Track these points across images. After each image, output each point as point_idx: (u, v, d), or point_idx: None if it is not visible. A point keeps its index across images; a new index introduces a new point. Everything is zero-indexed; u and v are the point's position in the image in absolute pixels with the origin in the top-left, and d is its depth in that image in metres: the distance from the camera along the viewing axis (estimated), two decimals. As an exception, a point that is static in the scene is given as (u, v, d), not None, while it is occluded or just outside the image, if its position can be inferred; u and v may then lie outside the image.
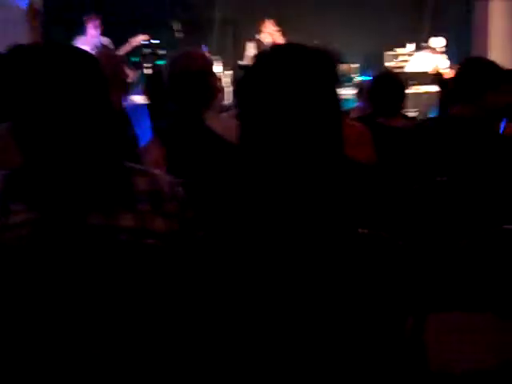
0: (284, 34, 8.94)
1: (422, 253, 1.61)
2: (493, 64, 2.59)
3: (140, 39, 8.54)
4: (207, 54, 2.86)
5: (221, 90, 3.01)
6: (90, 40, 8.35)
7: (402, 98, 3.67)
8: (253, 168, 1.56)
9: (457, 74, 2.66)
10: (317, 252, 1.48)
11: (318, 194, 1.51)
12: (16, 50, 1.70)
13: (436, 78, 5.14)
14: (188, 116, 2.49)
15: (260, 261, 1.47)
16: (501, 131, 2.83)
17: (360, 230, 1.50)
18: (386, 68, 9.37)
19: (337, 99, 1.60)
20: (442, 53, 9.31)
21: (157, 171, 1.64)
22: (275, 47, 1.54)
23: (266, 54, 1.54)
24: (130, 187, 1.53)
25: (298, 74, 1.48)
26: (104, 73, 1.59)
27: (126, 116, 3.12)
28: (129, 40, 8.53)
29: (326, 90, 1.56)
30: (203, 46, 8.12)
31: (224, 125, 2.74)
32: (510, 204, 2.23)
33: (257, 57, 1.54)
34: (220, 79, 6.96)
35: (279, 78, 1.47)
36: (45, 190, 1.48)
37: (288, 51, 1.54)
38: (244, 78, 1.53)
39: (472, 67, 2.58)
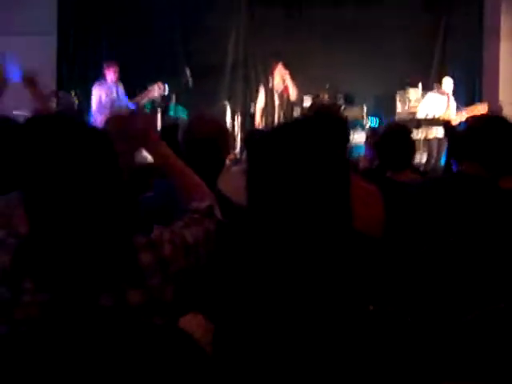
0: (293, 76, 9.02)
1: (430, 327, 1.61)
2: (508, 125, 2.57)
3: (157, 91, 8.67)
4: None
5: (232, 145, 3.04)
6: (107, 85, 8.51)
7: (410, 152, 3.67)
8: (261, 244, 1.57)
9: (471, 131, 2.64)
10: (324, 330, 1.48)
11: (325, 270, 1.51)
12: (32, 122, 1.73)
13: (446, 128, 5.14)
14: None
15: (269, 336, 1.47)
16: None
17: (369, 307, 1.50)
18: (395, 119, 9.40)
19: (345, 169, 1.62)
20: (452, 95, 9.35)
21: (156, 234, 1.64)
22: (284, 125, 1.57)
23: (278, 131, 1.57)
24: (137, 264, 1.54)
25: (307, 151, 1.51)
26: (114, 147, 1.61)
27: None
28: (148, 88, 8.67)
29: (334, 161, 1.58)
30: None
31: (234, 185, 2.75)
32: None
33: (267, 134, 1.58)
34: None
35: (290, 155, 1.50)
36: (54, 268, 1.48)
37: (298, 127, 1.57)
38: (256, 155, 1.56)
39: (488, 128, 2.56)
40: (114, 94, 8.47)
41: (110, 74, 8.48)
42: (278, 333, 1.48)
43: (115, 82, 8.49)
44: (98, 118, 8.38)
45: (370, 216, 2.63)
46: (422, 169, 7.78)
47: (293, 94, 8.89)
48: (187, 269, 1.64)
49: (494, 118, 2.71)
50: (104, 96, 8.47)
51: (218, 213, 1.84)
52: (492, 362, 1.66)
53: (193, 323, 1.62)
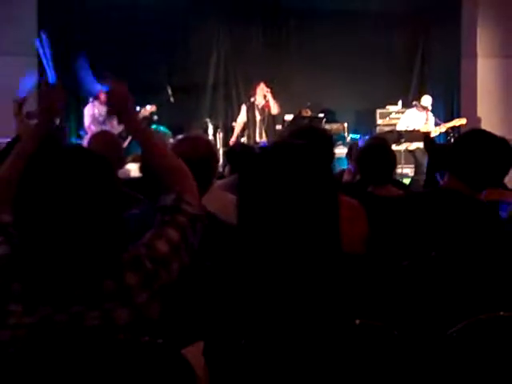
0: (275, 94, 9.09)
1: (416, 341, 1.63)
2: (492, 140, 2.58)
3: (150, 110, 8.74)
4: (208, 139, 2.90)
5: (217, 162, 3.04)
6: (99, 105, 8.53)
7: (391, 167, 3.70)
8: (251, 261, 1.59)
9: (454, 147, 2.65)
10: (311, 345, 1.50)
11: (312, 286, 1.53)
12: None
13: (425, 141, 5.19)
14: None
15: (257, 354, 1.48)
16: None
17: (355, 321, 1.52)
18: (377, 133, 9.52)
19: (335, 191, 1.65)
20: (430, 110, 9.50)
21: (142, 251, 1.64)
22: (275, 146, 1.60)
23: (266, 153, 1.60)
24: (122, 283, 1.54)
25: (295, 174, 1.53)
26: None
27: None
28: (140, 111, 8.71)
29: (325, 182, 1.60)
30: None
31: (220, 203, 2.77)
32: (502, 280, 2.25)
33: (257, 156, 1.61)
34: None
35: (279, 179, 1.52)
36: (41, 288, 1.49)
37: (285, 149, 1.60)
38: (247, 176, 1.58)
39: (471, 143, 2.57)
40: (105, 116, 8.51)
41: (103, 96, 8.52)
42: (267, 350, 1.49)
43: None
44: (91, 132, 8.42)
45: (354, 233, 2.66)
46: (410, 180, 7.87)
47: (274, 109, 8.96)
48: (171, 281, 1.64)
49: (475, 132, 2.73)
50: (97, 115, 8.52)
51: (188, 198, 1.80)
52: (477, 374, 1.68)
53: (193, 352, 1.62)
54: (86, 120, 8.58)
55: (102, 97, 8.46)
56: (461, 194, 2.47)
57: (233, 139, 9.04)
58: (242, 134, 9.18)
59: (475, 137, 2.64)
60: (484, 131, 2.67)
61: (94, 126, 8.47)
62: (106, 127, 8.17)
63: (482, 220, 2.42)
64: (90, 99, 8.64)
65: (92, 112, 8.55)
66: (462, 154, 2.56)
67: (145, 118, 8.76)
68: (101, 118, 8.48)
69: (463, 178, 2.52)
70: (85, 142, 8.21)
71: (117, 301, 1.52)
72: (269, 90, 9.01)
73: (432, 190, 2.73)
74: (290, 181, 1.54)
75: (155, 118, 8.90)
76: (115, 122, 8.37)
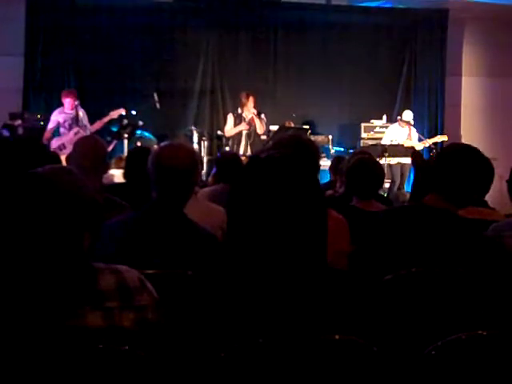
0: (260, 106, 9.09)
1: (395, 357, 1.63)
2: (472, 154, 2.56)
3: (119, 112, 8.80)
4: (192, 149, 2.90)
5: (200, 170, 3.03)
6: (65, 112, 8.52)
7: (378, 182, 3.73)
8: (237, 273, 1.59)
9: (436, 163, 2.63)
10: (291, 359, 1.50)
11: (293, 300, 1.54)
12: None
13: (413, 156, 5.22)
14: (167, 206, 2.52)
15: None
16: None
17: (335, 337, 1.52)
18: (361, 147, 9.57)
19: (323, 205, 1.65)
20: (413, 125, 9.60)
21: (123, 267, 1.65)
22: (264, 158, 1.59)
23: (255, 165, 1.59)
24: (96, 286, 1.54)
25: (283, 187, 1.54)
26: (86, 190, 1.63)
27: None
28: (110, 113, 8.77)
29: (313, 197, 1.60)
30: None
31: (201, 212, 2.77)
32: (483, 297, 2.26)
33: (246, 169, 1.60)
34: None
35: (269, 191, 1.52)
36: (13, 292, 1.47)
37: (276, 161, 1.60)
38: (236, 190, 1.58)
39: (450, 158, 2.55)
40: (73, 120, 8.50)
41: (68, 102, 8.51)
42: (247, 363, 1.49)
43: (73, 109, 8.48)
44: (54, 143, 8.42)
45: (336, 247, 2.66)
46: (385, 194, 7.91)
47: (260, 130, 8.93)
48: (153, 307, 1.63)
49: (454, 147, 2.73)
50: (62, 122, 8.50)
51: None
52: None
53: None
54: (48, 129, 8.55)
55: (66, 101, 8.50)
56: (441, 210, 2.47)
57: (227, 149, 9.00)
58: (226, 144, 9.17)
59: (455, 152, 2.61)
60: (464, 146, 2.66)
61: (56, 138, 8.54)
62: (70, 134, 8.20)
63: (463, 236, 2.43)
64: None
65: (55, 123, 8.56)
66: (441, 169, 2.55)
67: (112, 119, 8.77)
68: (66, 127, 8.50)
69: (443, 194, 2.51)
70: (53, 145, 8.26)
71: (89, 303, 1.52)
72: (255, 111, 8.92)
73: (413, 206, 2.73)
74: (279, 193, 1.54)
75: (140, 123, 8.89)
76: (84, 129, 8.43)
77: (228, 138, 9.11)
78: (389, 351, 1.60)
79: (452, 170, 2.51)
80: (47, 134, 8.48)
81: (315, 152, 2.70)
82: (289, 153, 1.62)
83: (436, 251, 2.38)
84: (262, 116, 8.96)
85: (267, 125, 9.21)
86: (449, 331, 1.69)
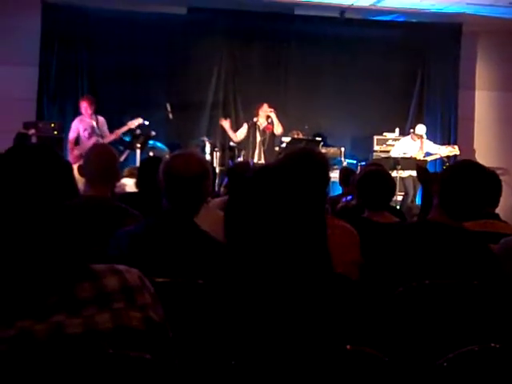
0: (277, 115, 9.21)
1: (407, 368, 1.62)
2: (475, 171, 2.59)
3: (137, 122, 8.82)
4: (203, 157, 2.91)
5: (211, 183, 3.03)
6: (86, 120, 8.56)
7: (390, 194, 3.72)
8: (240, 281, 1.59)
9: (440, 180, 2.65)
10: (301, 368, 1.49)
11: (303, 310, 1.53)
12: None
13: (418, 171, 5.21)
14: (178, 215, 2.52)
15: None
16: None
17: (346, 347, 1.51)
18: (373, 159, 9.57)
19: (322, 213, 1.65)
20: (425, 139, 9.60)
21: (122, 267, 1.64)
22: (268, 166, 1.60)
23: (259, 174, 1.60)
24: (101, 289, 1.54)
25: (286, 196, 1.54)
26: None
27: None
28: (127, 123, 8.81)
29: (312, 205, 1.61)
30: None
31: (212, 221, 2.77)
32: (494, 310, 2.25)
33: (247, 180, 1.61)
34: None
35: (266, 201, 1.53)
36: (14, 300, 1.47)
37: (279, 170, 1.61)
38: (236, 197, 1.59)
39: (454, 175, 2.59)
40: (92, 129, 8.54)
41: (86, 108, 8.54)
42: (256, 371, 1.48)
43: (92, 116, 8.53)
44: (74, 151, 8.45)
45: (348, 258, 2.66)
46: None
47: (277, 129, 9.07)
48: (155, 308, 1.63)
49: (458, 164, 2.75)
50: (82, 130, 8.54)
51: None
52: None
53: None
54: (70, 137, 8.60)
55: (84, 106, 8.53)
56: (444, 225, 2.49)
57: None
58: (238, 155, 9.21)
59: (454, 169, 2.68)
60: (469, 163, 2.68)
61: (76, 147, 8.58)
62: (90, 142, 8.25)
63: (468, 249, 2.43)
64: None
65: (76, 131, 8.60)
66: (445, 186, 2.58)
67: (130, 129, 8.81)
68: (85, 135, 8.53)
69: (446, 209, 2.54)
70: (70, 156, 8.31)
71: (98, 305, 1.51)
72: (272, 110, 9.10)
73: (422, 221, 2.72)
74: (277, 203, 1.55)
75: (153, 133, 8.93)
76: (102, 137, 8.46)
77: (240, 143, 9.20)
78: (400, 362, 1.59)
79: (452, 186, 2.55)
80: (70, 145, 8.53)
81: (325, 164, 2.70)
82: (292, 164, 1.63)
83: (441, 265, 2.38)
84: (273, 117, 9.02)
85: (278, 136, 9.29)
86: (461, 343, 1.68)
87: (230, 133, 9.30)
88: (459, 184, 2.52)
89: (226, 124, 9.35)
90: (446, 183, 2.56)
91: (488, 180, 2.57)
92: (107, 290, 1.54)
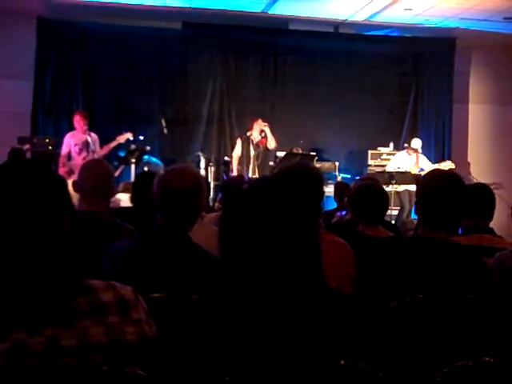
0: (271, 129, 9.22)
1: (401, 382, 1.62)
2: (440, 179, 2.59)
3: (126, 137, 8.83)
4: (198, 172, 2.90)
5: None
6: (77, 135, 8.57)
7: (384, 208, 3.72)
8: (234, 296, 1.59)
9: (419, 196, 2.64)
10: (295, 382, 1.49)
11: (296, 326, 1.53)
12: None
13: (417, 183, 5.22)
14: (172, 230, 2.52)
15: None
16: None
17: (340, 362, 1.51)
18: (367, 174, 9.59)
19: (315, 228, 1.66)
20: (420, 153, 9.63)
21: (116, 283, 1.65)
22: (261, 180, 1.61)
23: (252, 189, 1.61)
24: (96, 302, 1.54)
25: (278, 210, 1.55)
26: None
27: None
28: (116, 138, 8.82)
29: (304, 220, 1.61)
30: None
31: (205, 235, 2.77)
32: (489, 324, 2.25)
33: (242, 191, 1.62)
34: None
35: (262, 213, 1.53)
36: (11, 312, 1.47)
37: (272, 185, 1.61)
38: (229, 211, 1.59)
39: (426, 187, 2.59)
40: (83, 144, 8.55)
41: (79, 123, 8.55)
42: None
43: (86, 131, 8.54)
44: (66, 166, 8.45)
45: (343, 273, 2.66)
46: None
47: (271, 144, 9.07)
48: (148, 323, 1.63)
49: (427, 176, 2.75)
50: (73, 145, 8.55)
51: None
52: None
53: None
54: (63, 152, 8.60)
55: (78, 123, 8.55)
56: (439, 240, 2.49)
57: (233, 173, 9.04)
58: (233, 169, 9.22)
59: (426, 182, 2.65)
60: (440, 172, 2.67)
61: (69, 161, 8.58)
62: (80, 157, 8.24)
63: (465, 264, 2.43)
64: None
65: (68, 146, 8.60)
66: (423, 200, 2.57)
67: (120, 144, 8.82)
68: (77, 150, 8.54)
69: (429, 224, 2.53)
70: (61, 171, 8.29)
71: (92, 318, 1.51)
72: (266, 124, 9.10)
73: (415, 236, 2.71)
74: (270, 217, 1.55)
75: (148, 148, 8.94)
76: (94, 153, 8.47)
77: (239, 162, 9.18)
78: (395, 377, 1.59)
79: (429, 199, 2.54)
80: (62, 159, 8.52)
81: (319, 179, 2.71)
82: (286, 179, 1.64)
83: (435, 280, 2.39)
84: (267, 131, 9.04)
85: (275, 149, 9.30)
86: (455, 358, 1.68)
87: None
88: (434, 195, 2.50)
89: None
90: (423, 198, 2.55)
91: (458, 184, 2.56)
92: (102, 303, 1.55)
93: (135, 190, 4.10)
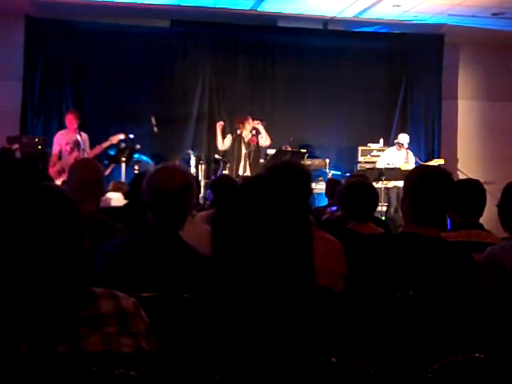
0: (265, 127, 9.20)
1: (392, 379, 1.62)
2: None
3: (118, 137, 8.82)
4: (187, 170, 2.89)
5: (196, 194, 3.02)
6: (68, 134, 8.54)
7: (373, 204, 3.73)
8: (226, 295, 1.59)
9: (408, 193, 2.64)
10: (288, 382, 1.49)
11: (287, 323, 1.53)
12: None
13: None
14: (163, 229, 2.51)
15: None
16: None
17: (331, 359, 1.51)
18: (357, 170, 9.61)
19: (307, 226, 1.66)
20: (410, 149, 9.66)
21: (119, 292, 1.64)
22: (252, 179, 1.61)
23: (243, 188, 1.61)
24: (95, 311, 1.54)
25: (270, 209, 1.55)
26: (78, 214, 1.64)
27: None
28: (109, 138, 8.81)
29: (297, 218, 1.62)
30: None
31: (195, 233, 2.76)
32: (479, 320, 2.26)
33: (233, 192, 1.62)
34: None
35: (254, 212, 1.54)
36: (9, 317, 1.46)
37: (263, 183, 1.62)
38: (222, 211, 1.59)
39: (410, 184, 2.60)
40: (74, 143, 8.52)
41: (71, 122, 8.53)
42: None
43: (76, 130, 8.51)
44: (57, 165, 8.41)
45: (333, 270, 2.66)
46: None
47: (266, 141, 9.06)
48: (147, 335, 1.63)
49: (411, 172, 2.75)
50: (64, 144, 8.52)
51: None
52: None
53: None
54: (53, 151, 8.57)
55: (70, 122, 8.53)
56: (429, 237, 2.49)
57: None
58: (224, 167, 9.20)
59: (408, 180, 2.65)
60: (424, 168, 2.66)
61: (59, 161, 8.56)
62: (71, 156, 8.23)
63: (455, 260, 2.44)
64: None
65: (58, 145, 8.57)
66: (409, 195, 2.57)
67: (112, 144, 8.80)
68: (67, 149, 8.51)
69: (417, 219, 2.53)
70: (52, 170, 8.27)
71: (88, 327, 1.51)
72: (259, 122, 9.07)
73: (405, 233, 2.71)
74: (261, 216, 1.56)
75: (138, 147, 8.92)
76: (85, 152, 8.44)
77: (224, 156, 9.16)
78: (386, 374, 1.60)
79: (414, 195, 2.54)
80: (53, 158, 8.50)
81: (306, 176, 2.71)
82: (273, 177, 1.64)
83: (426, 276, 2.39)
84: (261, 128, 9.04)
85: (265, 148, 9.29)
86: (445, 354, 1.69)
87: (219, 138, 9.20)
88: (422, 190, 2.50)
89: (219, 127, 9.27)
90: (411, 193, 2.55)
91: (446, 179, 2.56)
92: (101, 312, 1.54)
93: (132, 191, 4.09)
